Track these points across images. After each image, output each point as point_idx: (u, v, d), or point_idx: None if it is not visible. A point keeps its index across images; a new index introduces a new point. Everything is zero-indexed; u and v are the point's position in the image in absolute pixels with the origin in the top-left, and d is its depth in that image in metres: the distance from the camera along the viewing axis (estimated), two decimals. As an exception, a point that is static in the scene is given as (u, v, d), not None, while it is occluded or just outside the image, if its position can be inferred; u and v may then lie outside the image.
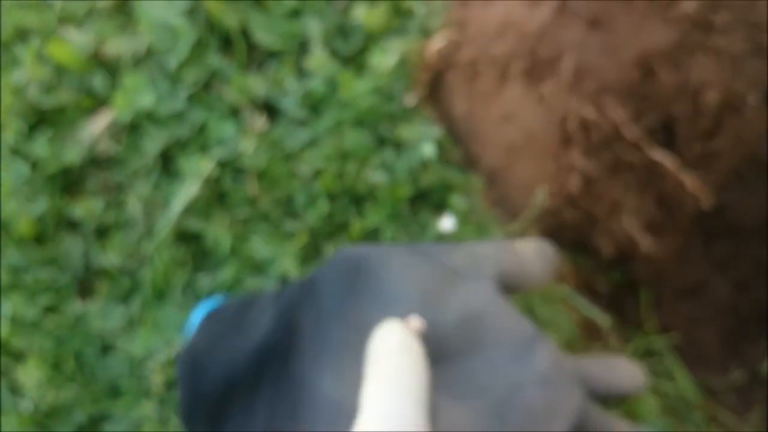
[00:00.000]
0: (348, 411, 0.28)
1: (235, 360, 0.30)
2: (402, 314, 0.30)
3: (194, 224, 0.46)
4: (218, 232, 0.45)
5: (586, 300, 0.45)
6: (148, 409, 0.42)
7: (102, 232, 0.48)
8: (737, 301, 0.46)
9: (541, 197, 0.45)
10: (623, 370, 0.35)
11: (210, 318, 0.31)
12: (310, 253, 0.46)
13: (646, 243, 0.44)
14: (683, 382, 0.46)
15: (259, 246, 0.45)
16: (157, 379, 0.42)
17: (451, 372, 0.30)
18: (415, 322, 0.30)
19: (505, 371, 0.31)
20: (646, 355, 0.45)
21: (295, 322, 0.31)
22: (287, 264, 0.44)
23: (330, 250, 0.46)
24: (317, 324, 0.30)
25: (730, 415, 0.46)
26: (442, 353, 0.30)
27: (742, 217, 0.45)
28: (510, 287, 0.33)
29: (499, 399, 0.30)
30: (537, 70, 0.42)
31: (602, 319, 0.46)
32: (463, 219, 0.46)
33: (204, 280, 0.45)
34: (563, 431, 0.29)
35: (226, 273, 0.45)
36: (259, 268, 0.45)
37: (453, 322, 0.30)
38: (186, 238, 0.46)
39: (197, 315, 0.32)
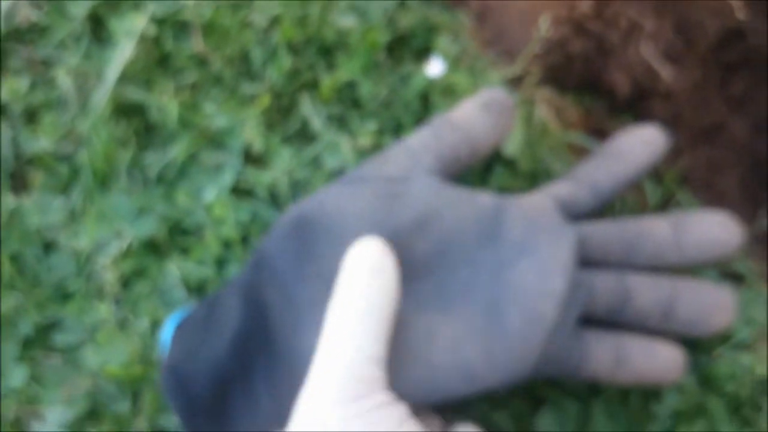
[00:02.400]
0: None
1: (218, 360, 0.29)
2: None
3: (134, 94, 0.39)
4: (163, 101, 0.38)
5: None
6: (102, 311, 0.36)
7: (31, 115, 0.40)
8: (755, 143, 0.40)
9: (544, 27, 0.38)
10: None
11: (181, 328, 0.30)
12: (275, 117, 0.39)
13: (666, 72, 0.37)
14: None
15: (213, 114, 0.38)
16: (109, 276, 0.36)
17: (429, 286, 0.30)
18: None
19: (482, 262, 0.30)
20: (665, 206, 0.39)
21: (261, 302, 0.30)
22: (249, 133, 0.37)
23: (298, 111, 0.39)
24: (282, 294, 0.30)
25: (757, 264, 0.41)
26: (411, 270, 0.30)
27: (761, 44, 0.39)
28: (465, 161, 0.32)
29: (487, 294, 0.30)
30: None
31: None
32: (453, 64, 0.39)
33: (152, 159, 0.38)
34: (565, 283, 0.29)
35: (177, 149, 0.38)
36: (215, 140, 0.38)
37: (409, 233, 0.30)
38: (126, 111, 0.39)
39: (168, 330, 0.32)
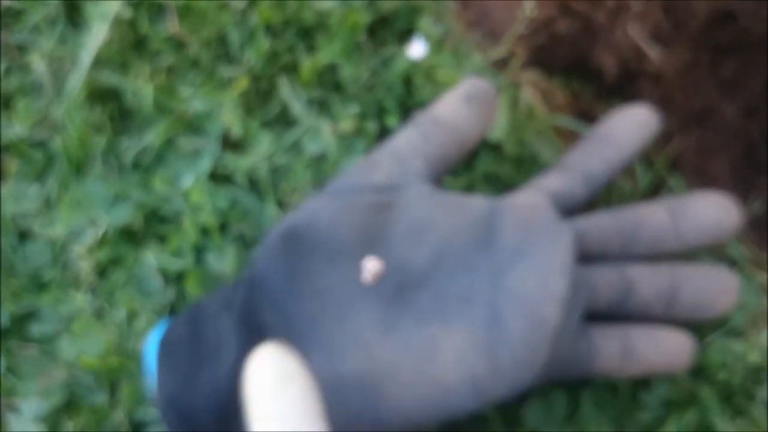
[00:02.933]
0: (349, 381, 0.28)
1: (219, 389, 0.27)
2: (352, 263, 0.29)
3: (109, 78, 0.38)
4: (138, 85, 0.37)
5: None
6: (79, 300, 0.35)
7: (5, 101, 0.39)
8: (746, 126, 0.39)
9: (529, 7, 0.37)
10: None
11: (165, 348, 0.28)
12: (253, 101, 0.38)
13: (654, 53, 0.36)
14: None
15: (190, 98, 0.37)
16: (85, 265, 0.35)
17: (428, 298, 0.29)
18: (372, 264, 0.29)
19: (480, 269, 0.29)
20: (656, 192, 0.38)
21: (258, 325, 0.29)
22: (227, 117, 0.37)
23: (278, 95, 0.38)
24: (279, 314, 0.29)
25: (749, 249, 0.40)
26: (408, 282, 0.29)
27: (753, 26, 0.38)
28: (454, 159, 0.32)
29: (487, 302, 0.29)
30: None
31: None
32: (436, 45, 0.38)
33: (127, 145, 0.37)
34: (567, 284, 0.28)
35: (153, 134, 0.37)
36: (192, 124, 0.37)
37: (403, 244, 0.29)
38: (101, 96, 0.38)
39: (150, 348, 0.30)
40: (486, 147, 0.37)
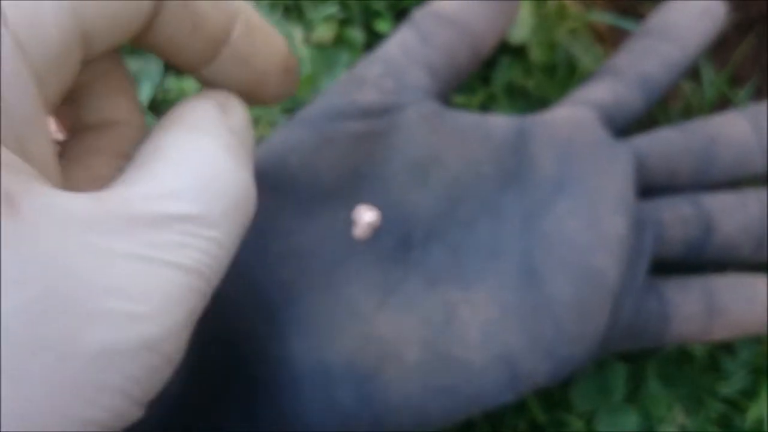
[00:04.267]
0: (339, 368, 0.21)
1: (175, 402, 0.21)
2: (337, 213, 0.23)
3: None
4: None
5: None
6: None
7: None
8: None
9: None
10: None
11: None
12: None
13: None
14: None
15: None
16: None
17: (440, 254, 0.23)
18: (364, 214, 0.23)
19: (507, 211, 0.24)
20: (725, 104, 0.31)
21: (217, 307, 0.19)
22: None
23: None
24: (244, 289, 0.22)
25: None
26: (412, 236, 0.23)
27: None
28: (465, 67, 0.26)
29: (519, 254, 0.23)
30: None
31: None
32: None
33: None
34: (626, 224, 0.23)
35: None
36: None
37: (403, 187, 0.24)
38: None
39: None
40: (506, 52, 0.30)
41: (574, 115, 0.25)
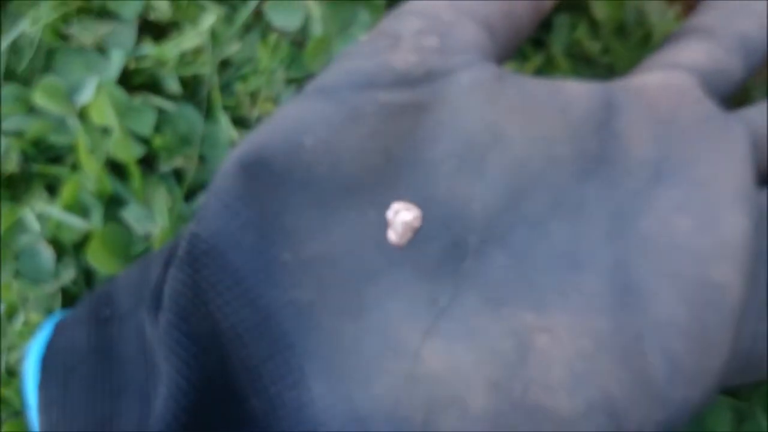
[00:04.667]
0: (376, 421, 0.16)
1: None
2: (366, 211, 0.18)
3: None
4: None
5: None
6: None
7: None
8: None
9: None
10: None
11: (51, 367, 0.19)
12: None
13: None
14: None
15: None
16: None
17: (503, 266, 0.18)
18: (401, 212, 0.19)
19: (591, 207, 0.19)
20: None
21: (210, 326, 0.17)
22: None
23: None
24: (246, 307, 0.17)
25: None
26: (465, 242, 0.19)
27: None
28: (527, 23, 0.21)
29: (609, 264, 0.18)
30: None
31: None
32: None
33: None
34: (749, 220, 0.18)
35: (31, 19, 0.24)
36: (93, 3, 0.25)
37: (451, 179, 0.19)
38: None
39: (30, 366, 0.19)
40: (564, 9, 0.24)
41: (671, 81, 0.20)
